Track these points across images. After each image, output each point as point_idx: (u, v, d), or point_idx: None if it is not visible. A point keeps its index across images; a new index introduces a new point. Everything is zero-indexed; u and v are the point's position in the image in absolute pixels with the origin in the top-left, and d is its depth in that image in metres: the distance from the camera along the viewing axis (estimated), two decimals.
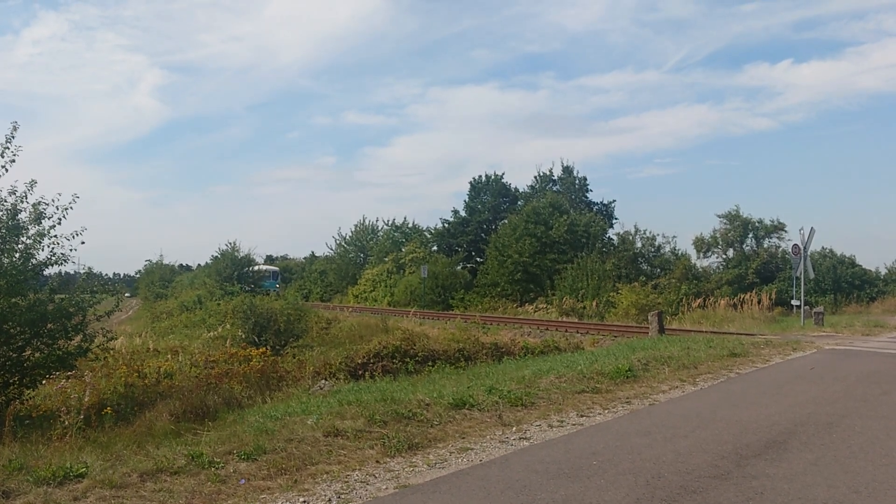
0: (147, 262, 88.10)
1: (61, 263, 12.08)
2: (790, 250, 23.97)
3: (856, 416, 7.59)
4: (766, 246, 38.21)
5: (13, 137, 11.59)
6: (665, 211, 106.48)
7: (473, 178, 53.74)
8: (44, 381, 12.06)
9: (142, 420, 9.93)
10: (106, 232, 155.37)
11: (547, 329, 25.24)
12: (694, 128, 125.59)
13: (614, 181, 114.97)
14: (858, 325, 19.70)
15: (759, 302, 28.37)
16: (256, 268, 54.91)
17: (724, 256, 39.11)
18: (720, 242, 38.94)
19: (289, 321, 24.98)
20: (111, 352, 14.77)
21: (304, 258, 77.46)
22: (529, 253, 40.54)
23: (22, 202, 11.51)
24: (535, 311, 35.45)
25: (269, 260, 67.42)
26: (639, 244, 40.61)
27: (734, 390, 9.43)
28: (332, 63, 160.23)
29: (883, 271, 37.39)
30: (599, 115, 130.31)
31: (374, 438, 6.52)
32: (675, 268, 37.30)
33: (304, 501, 4.96)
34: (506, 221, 46.84)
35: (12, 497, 4.88)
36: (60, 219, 11.75)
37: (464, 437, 6.79)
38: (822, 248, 36.85)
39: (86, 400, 9.73)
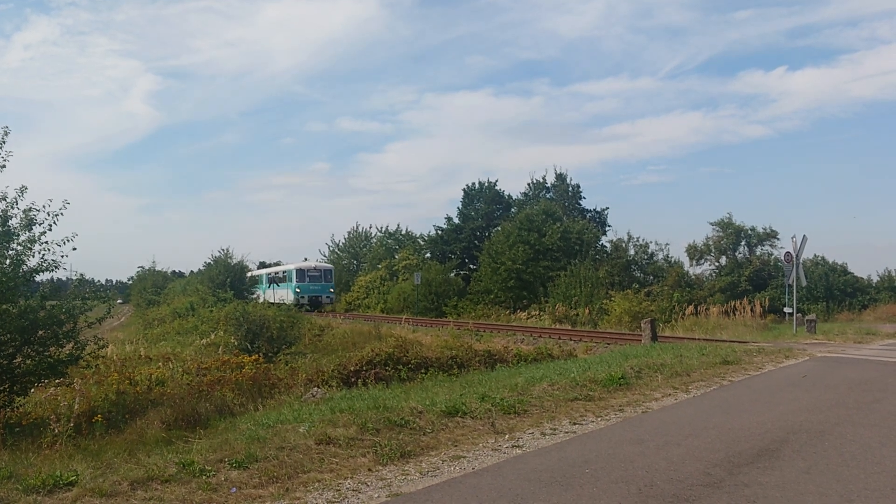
0: (139, 269, 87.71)
1: (52, 270, 12.03)
2: (782, 258, 24.10)
3: (848, 423, 7.60)
4: (758, 253, 38.48)
5: (4, 143, 11.59)
6: (658, 218, 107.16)
7: (467, 185, 53.88)
8: (34, 389, 11.98)
9: (133, 428, 9.88)
10: (98, 238, 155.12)
11: (540, 336, 25.23)
12: (688, 135, 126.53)
13: (608, 188, 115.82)
14: (850, 332, 19.78)
15: (751, 310, 28.44)
16: (298, 266, 49.78)
17: (716, 264, 39.38)
18: (713, 250, 39.19)
19: (281, 328, 24.96)
20: (102, 359, 14.69)
21: None
22: (523, 260, 40.58)
23: (12, 208, 11.49)
24: (529, 319, 35.48)
25: (262, 266, 66.78)
26: (632, 251, 40.77)
27: (727, 398, 9.44)
28: (327, 69, 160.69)
29: (875, 279, 37.71)
30: (593, 122, 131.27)
31: (366, 446, 6.49)
32: (667, 275, 37.45)
33: None
34: (499, 228, 46.88)
35: None
36: (51, 225, 11.72)
37: (456, 445, 6.77)
38: (815, 255, 37.22)
39: (76, 408, 9.65)
